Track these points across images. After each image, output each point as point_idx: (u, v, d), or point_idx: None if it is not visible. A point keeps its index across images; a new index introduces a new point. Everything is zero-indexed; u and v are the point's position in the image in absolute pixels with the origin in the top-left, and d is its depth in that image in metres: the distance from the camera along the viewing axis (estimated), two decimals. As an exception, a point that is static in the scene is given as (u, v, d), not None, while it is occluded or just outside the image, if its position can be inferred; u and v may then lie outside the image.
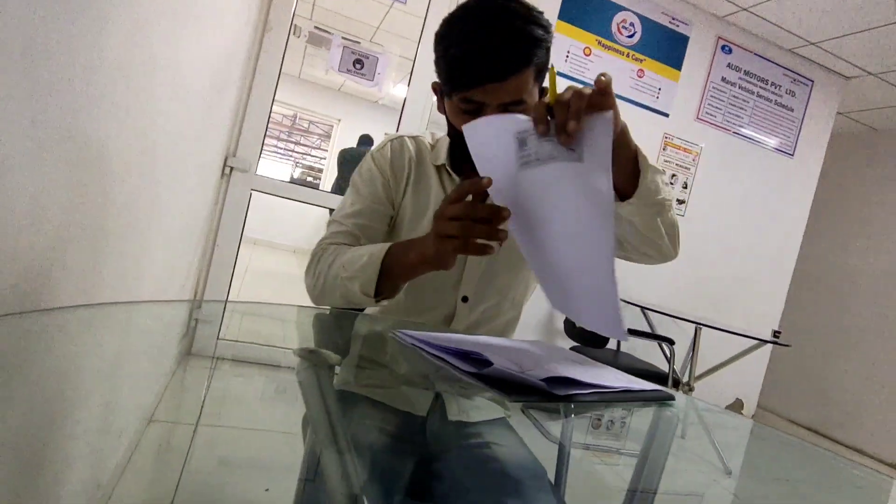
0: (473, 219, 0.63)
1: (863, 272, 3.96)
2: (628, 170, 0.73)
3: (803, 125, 3.35)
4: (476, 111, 0.81)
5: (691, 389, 2.62)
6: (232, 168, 2.45)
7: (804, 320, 4.11)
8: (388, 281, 0.79)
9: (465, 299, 0.92)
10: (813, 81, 3.33)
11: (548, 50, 0.82)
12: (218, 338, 2.85)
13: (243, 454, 1.77)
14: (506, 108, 0.79)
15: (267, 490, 1.56)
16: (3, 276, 0.56)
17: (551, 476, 0.99)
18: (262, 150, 2.55)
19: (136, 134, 0.99)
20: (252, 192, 2.52)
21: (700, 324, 2.57)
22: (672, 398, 0.69)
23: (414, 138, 0.98)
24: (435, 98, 0.92)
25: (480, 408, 0.86)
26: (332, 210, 1.18)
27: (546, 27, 0.81)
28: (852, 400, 3.79)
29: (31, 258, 0.64)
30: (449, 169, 0.93)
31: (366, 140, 5.73)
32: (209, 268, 2.49)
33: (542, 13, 0.81)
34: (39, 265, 0.67)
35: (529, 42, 0.78)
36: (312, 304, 0.94)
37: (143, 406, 1.70)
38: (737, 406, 3.29)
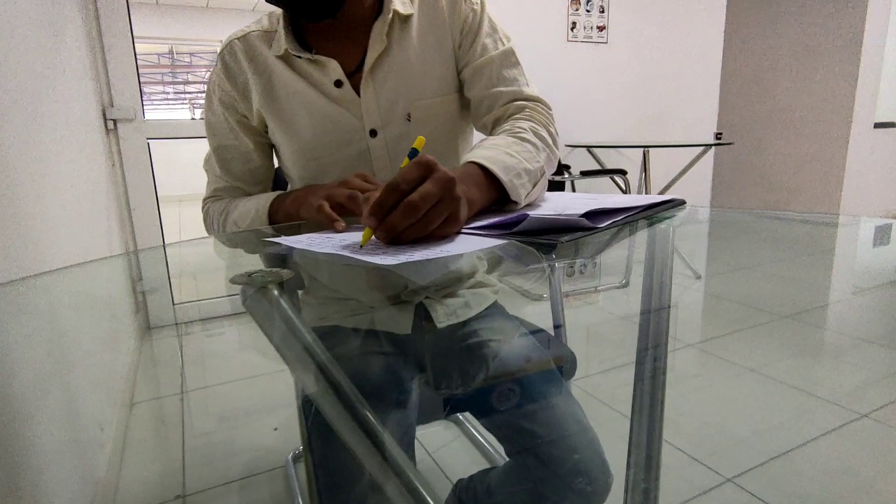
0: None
1: (783, 52, 4.00)
2: (493, 197, 0.64)
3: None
4: None
5: (651, 212, 2.69)
6: (115, 121, 2.14)
7: (739, 117, 4.21)
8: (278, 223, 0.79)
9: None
10: None
11: None
12: (173, 304, 2.67)
13: (240, 405, 1.74)
14: None
15: (276, 429, 1.54)
16: None
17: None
18: (141, 93, 2.22)
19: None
20: (149, 141, 2.24)
21: (646, 146, 2.56)
22: (685, 202, 0.68)
23: (243, 37, 0.81)
24: None
25: (469, 304, 0.80)
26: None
27: None
28: (793, 178, 4.01)
29: None
30: (294, 52, 0.77)
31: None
32: (133, 236, 2.27)
33: None
34: None
35: None
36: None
37: (117, 391, 1.60)
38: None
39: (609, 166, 2.92)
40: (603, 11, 3.00)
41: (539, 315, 0.95)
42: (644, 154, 2.66)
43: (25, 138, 1.08)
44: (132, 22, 2.15)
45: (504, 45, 0.82)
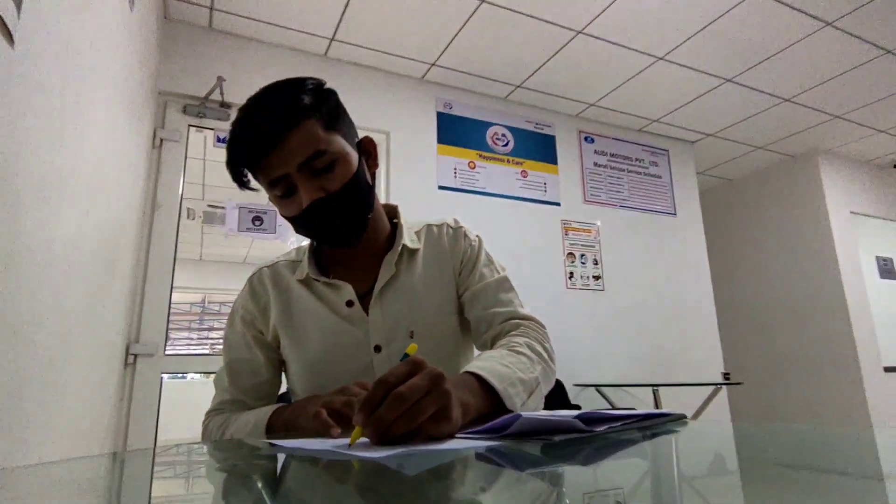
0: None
1: (773, 304, 4.24)
2: (489, 405, 0.65)
3: (674, 186, 3.74)
4: (287, 190, 0.76)
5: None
6: (136, 356, 2.23)
7: (747, 359, 4.24)
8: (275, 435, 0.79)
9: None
10: (667, 150, 3.80)
11: (325, 99, 0.78)
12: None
13: None
14: (312, 170, 0.75)
15: None
16: None
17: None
18: (167, 331, 2.37)
19: None
20: (163, 376, 2.29)
21: (655, 385, 2.55)
22: (685, 417, 0.67)
23: (272, 266, 0.94)
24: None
25: None
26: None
27: (311, 82, 0.78)
28: (816, 422, 3.82)
29: None
30: (314, 276, 0.88)
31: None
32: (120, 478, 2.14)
33: (309, 78, 0.79)
34: None
35: (290, 101, 0.74)
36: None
37: None
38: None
39: (619, 405, 2.85)
40: (597, 263, 3.32)
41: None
42: (654, 392, 2.63)
43: (51, 360, 1.14)
44: (175, 274, 2.41)
45: (499, 273, 0.93)
